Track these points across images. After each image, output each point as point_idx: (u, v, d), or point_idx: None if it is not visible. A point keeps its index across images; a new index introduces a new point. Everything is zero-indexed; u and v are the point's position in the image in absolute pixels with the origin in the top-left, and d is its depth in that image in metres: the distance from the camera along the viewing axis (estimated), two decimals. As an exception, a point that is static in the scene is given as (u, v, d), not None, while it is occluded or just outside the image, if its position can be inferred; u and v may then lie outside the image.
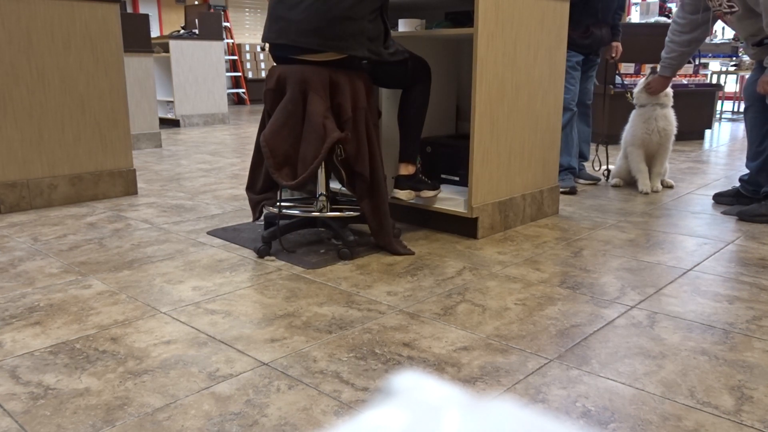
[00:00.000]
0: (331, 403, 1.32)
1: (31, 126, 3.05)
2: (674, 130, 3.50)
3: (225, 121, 7.19)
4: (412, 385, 0.29)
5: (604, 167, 4.15)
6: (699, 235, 2.60)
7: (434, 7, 3.00)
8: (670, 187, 3.63)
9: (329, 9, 2.11)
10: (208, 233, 2.64)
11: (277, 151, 2.21)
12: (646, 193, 3.46)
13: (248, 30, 11.66)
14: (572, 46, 3.39)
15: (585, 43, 3.51)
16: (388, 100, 2.84)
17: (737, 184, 3.22)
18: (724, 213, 2.98)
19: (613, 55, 3.72)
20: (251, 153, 2.32)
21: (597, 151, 4.20)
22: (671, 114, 3.50)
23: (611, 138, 5.34)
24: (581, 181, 3.75)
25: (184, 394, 1.36)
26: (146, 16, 5.20)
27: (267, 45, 9.59)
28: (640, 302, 1.88)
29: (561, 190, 3.44)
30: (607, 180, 3.78)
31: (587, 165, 4.14)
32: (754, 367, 1.47)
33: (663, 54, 3.30)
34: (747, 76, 3.75)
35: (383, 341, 1.61)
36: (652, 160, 3.53)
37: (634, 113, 3.57)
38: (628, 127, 3.58)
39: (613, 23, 3.60)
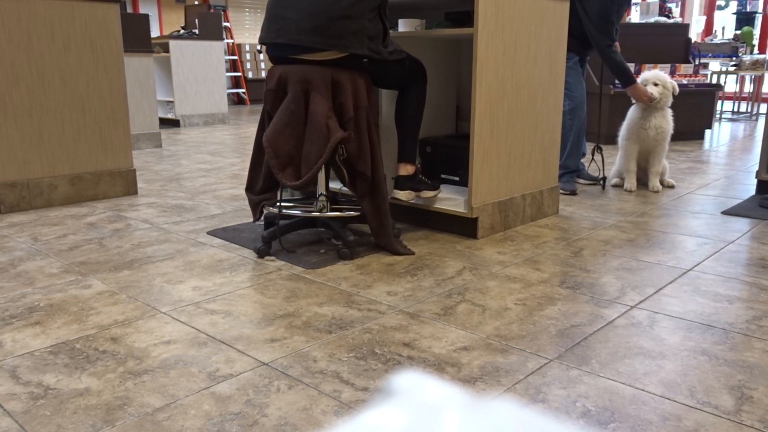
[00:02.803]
0: (331, 403, 1.32)
1: (31, 126, 3.05)
2: (670, 130, 3.50)
3: (225, 121, 7.19)
4: (412, 385, 0.29)
5: (600, 175, 4.05)
6: (699, 235, 2.60)
7: (434, 7, 3.00)
8: (671, 186, 3.62)
9: (329, 8, 2.11)
10: (208, 233, 2.64)
11: (280, 152, 2.21)
12: (630, 191, 3.50)
13: (248, 30, 11.66)
14: (571, 48, 3.39)
15: (587, 51, 3.53)
16: (387, 100, 2.84)
17: (737, 184, 3.22)
18: (724, 213, 2.98)
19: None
20: (251, 153, 2.33)
21: (594, 156, 4.08)
22: (668, 113, 3.50)
23: (610, 138, 5.33)
24: (581, 180, 3.73)
25: (184, 394, 1.36)
26: (146, 16, 5.20)
27: (263, 47, 9.60)
28: (640, 302, 1.88)
29: (561, 191, 3.43)
30: (603, 188, 3.66)
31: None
32: (754, 367, 1.47)
33: None
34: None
35: (383, 341, 1.61)
36: (648, 158, 3.54)
37: (632, 109, 3.58)
38: (624, 123, 3.59)
39: None
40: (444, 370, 1.47)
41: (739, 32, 7.88)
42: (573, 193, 3.44)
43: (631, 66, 5.43)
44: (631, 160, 3.53)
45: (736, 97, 8.30)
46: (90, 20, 3.17)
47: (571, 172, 3.55)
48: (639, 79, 3.48)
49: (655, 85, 3.42)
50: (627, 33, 5.63)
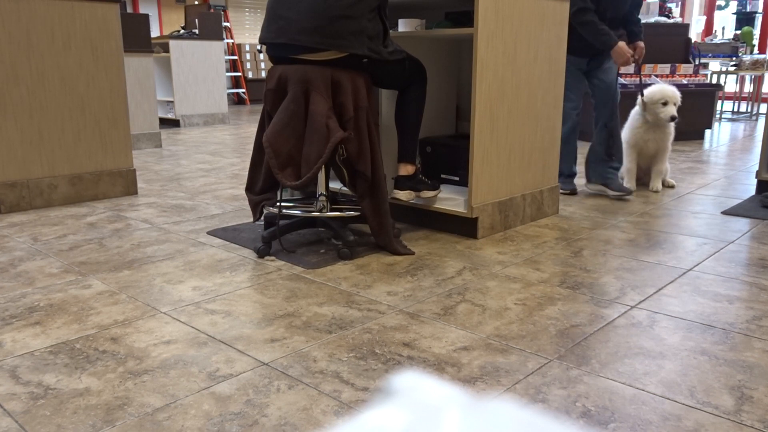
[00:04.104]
0: (331, 403, 1.32)
1: (31, 126, 3.04)
2: (671, 138, 3.49)
3: (225, 121, 7.19)
4: (412, 385, 0.29)
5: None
6: (699, 235, 2.60)
7: (434, 7, 3.00)
8: (672, 186, 3.63)
9: (328, 7, 2.11)
10: (208, 233, 2.64)
11: (280, 152, 2.21)
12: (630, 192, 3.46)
13: (248, 30, 11.66)
14: (573, 50, 3.18)
15: (583, 45, 3.22)
16: (387, 100, 2.84)
17: (737, 184, 3.22)
18: (724, 213, 2.98)
19: (635, 56, 3.30)
20: (251, 153, 2.34)
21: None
22: (670, 126, 3.47)
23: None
24: (611, 193, 3.33)
25: (184, 394, 1.36)
26: (146, 16, 5.20)
27: (264, 47, 9.60)
28: (640, 302, 1.88)
29: (561, 191, 3.39)
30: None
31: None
32: (754, 367, 1.47)
33: None
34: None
35: (383, 341, 1.61)
36: (651, 159, 3.54)
37: (633, 113, 3.56)
38: (626, 125, 3.59)
39: (628, 21, 3.31)
40: (444, 370, 1.47)
41: (739, 32, 7.87)
42: (572, 192, 3.42)
43: (630, 66, 5.42)
44: (631, 161, 3.54)
45: (736, 97, 8.30)
46: (90, 20, 3.17)
47: (567, 176, 3.43)
48: (659, 95, 3.35)
49: (674, 104, 3.35)
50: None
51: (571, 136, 3.41)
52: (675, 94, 3.39)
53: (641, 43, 3.34)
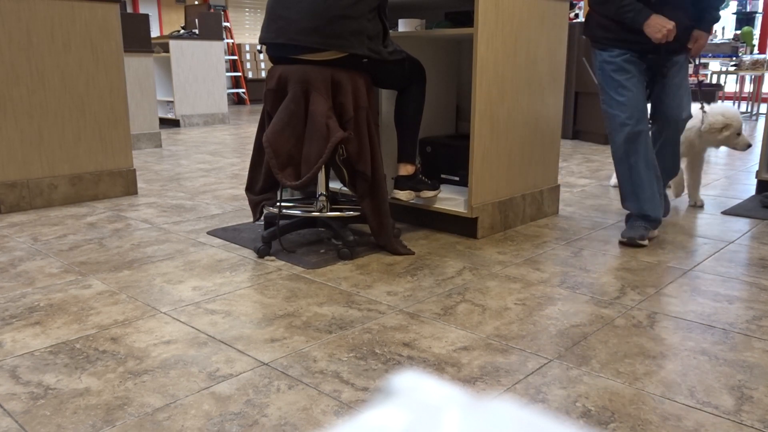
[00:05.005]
0: (331, 403, 1.32)
1: (31, 126, 3.04)
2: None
3: (225, 121, 7.19)
4: (412, 385, 0.29)
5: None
6: (699, 235, 2.60)
7: (434, 7, 3.00)
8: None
9: (328, 7, 2.11)
10: (208, 233, 2.64)
11: (280, 152, 2.21)
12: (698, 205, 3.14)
13: (248, 30, 11.66)
14: (624, 43, 2.44)
15: (636, 38, 2.40)
16: (387, 100, 2.84)
17: (737, 184, 3.21)
18: (724, 213, 2.98)
19: (689, 45, 2.50)
20: (251, 153, 2.34)
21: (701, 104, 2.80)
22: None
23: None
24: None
25: (184, 394, 1.36)
26: (146, 16, 5.20)
27: (264, 47, 9.59)
28: (640, 302, 1.88)
29: (620, 239, 2.52)
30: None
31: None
32: (754, 367, 1.47)
33: None
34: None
35: (383, 341, 1.61)
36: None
37: (704, 132, 2.96)
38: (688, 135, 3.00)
39: (701, 7, 2.46)
40: (444, 370, 1.47)
41: (739, 32, 7.87)
42: (630, 242, 2.46)
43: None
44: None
45: (736, 97, 8.30)
46: (90, 20, 3.17)
47: (634, 216, 2.54)
48: (737, 123, 2.90)
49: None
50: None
51: (632, 158, 2.45)
52: (741, 120, 2.96)
53: (701, 34, 2.49)
